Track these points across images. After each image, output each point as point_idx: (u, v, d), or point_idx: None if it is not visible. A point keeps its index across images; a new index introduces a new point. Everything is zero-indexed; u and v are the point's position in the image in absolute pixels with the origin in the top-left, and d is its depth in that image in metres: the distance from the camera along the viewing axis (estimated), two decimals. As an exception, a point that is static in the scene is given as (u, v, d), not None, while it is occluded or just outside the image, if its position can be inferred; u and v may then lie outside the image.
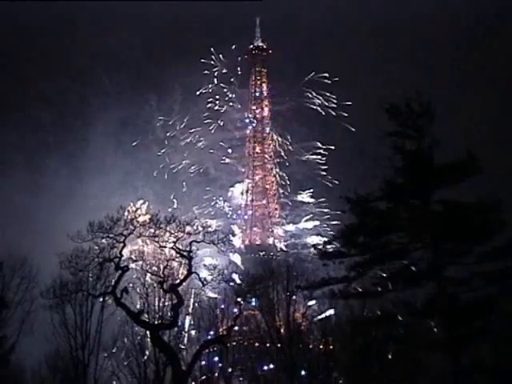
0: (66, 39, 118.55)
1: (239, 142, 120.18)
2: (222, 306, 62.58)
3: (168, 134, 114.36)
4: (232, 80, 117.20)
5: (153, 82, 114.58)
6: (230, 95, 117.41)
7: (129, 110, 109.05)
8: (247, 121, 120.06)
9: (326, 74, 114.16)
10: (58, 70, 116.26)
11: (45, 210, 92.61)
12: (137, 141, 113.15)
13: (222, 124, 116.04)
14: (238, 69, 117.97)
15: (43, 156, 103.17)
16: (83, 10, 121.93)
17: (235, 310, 57.64)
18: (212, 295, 63.92)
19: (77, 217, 74.31)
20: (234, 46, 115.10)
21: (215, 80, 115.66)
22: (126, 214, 52.75)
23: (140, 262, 55.09)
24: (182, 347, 58.02)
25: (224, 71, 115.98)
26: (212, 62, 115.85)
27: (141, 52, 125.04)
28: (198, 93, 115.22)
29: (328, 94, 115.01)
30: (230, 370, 62.95)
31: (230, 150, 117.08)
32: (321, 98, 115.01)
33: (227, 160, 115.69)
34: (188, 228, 52.17)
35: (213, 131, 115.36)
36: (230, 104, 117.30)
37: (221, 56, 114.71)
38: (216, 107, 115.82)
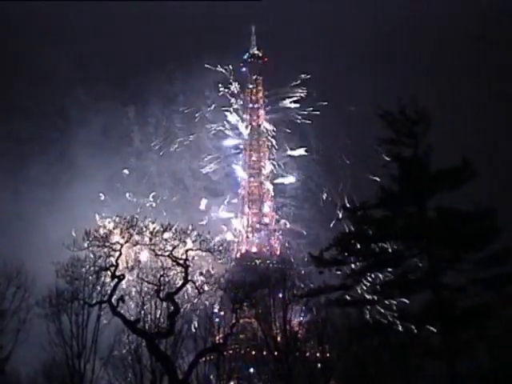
0: (43, 48, 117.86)
1: (234, 149, 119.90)
2: (219, 314, 62.42)
3: (153, 144, 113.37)
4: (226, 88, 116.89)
5: (133, 92, 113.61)
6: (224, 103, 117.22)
7: (109, 119, 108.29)
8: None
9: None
10: (35, 81, 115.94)
11: (29, 219, 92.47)
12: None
13: (214, 132, 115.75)
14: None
15: (23, 166, 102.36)
16: (59, 20, 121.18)
17: (232, 318, 57.60)
18: (208, 303, 63.72)
19: (62, 225, 74.65)
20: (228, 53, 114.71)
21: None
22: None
23: (136, 271, 55.01)
24: (179, 356, 57.69)
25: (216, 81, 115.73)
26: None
27: (119, 62, 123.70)
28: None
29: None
30: (226, 378, 62.71)
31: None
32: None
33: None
34: (184, 236, 52.31)
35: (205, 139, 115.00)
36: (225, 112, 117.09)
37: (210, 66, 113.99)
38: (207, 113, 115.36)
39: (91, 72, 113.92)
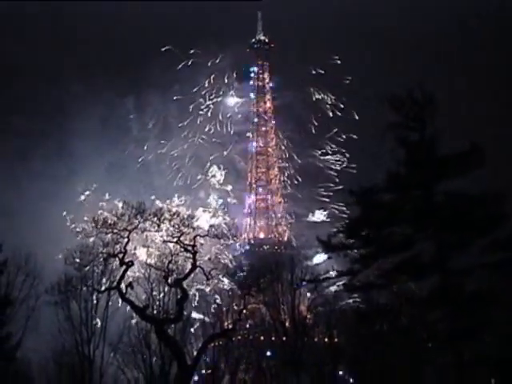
0: (39, 40, 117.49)
1: (238, 137, 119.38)
2: (227, 300, 62.61)
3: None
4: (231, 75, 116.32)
5: (132, 81, 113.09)
6: (230, 90, 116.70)
7: (107, 110, 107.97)
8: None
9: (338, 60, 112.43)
10: (31, 73, 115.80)
11: (32, 209, 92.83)
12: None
13: (221, 119, 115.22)
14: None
15: (22, 159, 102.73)
16: (58, 12, 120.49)
17: (240, 303, 57.78)
18: (217, 289, 63.92)
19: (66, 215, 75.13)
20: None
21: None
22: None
23: (144, 257, 55.22)
24: (187, 341, 58.02)
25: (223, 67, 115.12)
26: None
27: (118, 50, 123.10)
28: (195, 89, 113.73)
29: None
30: (235, 363, 63.06)
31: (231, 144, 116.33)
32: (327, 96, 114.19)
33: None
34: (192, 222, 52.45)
35: (212, 127, 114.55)
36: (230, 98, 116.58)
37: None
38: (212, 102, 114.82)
39: (89, 61, 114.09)
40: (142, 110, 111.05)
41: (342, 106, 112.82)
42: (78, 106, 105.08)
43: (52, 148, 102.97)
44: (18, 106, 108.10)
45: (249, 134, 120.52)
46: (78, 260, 51.13)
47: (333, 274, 39.21)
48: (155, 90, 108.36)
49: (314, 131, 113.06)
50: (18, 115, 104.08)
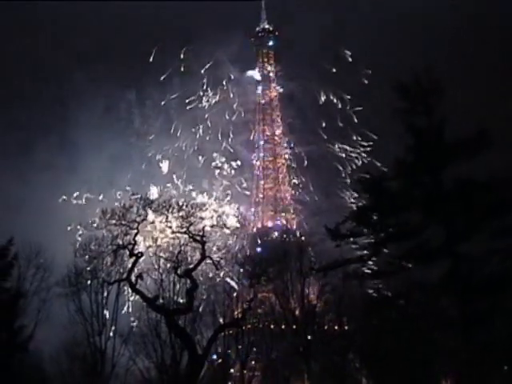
0: (40, 36, 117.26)
1: (243, 126, 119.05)
2: (237, 289, 62.69)
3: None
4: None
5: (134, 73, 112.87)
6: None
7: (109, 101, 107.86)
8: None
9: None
10: (31, 67, 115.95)
11: (38, 202, 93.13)
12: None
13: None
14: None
15: (26, 152, 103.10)
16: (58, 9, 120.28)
17: (249, 292, 57.92)
18: (226, 279, 64.00)
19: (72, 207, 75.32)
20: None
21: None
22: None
23: (154, 248, 55.32)
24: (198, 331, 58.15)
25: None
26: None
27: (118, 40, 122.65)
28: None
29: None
30: (245, 352, 63.21)
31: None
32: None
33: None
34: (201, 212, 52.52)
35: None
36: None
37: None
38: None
39: (89, 53, 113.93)
40: (143, 102, 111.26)
41: (348, 97, 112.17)
42: (79, 98, 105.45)
43: (54, 140, 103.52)
44: (19, 98, 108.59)
45: (254, 123, 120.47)
46: (87, 252, 51.33)
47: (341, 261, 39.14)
48: (156, 81, 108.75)
49: (323, 123, 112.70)
50: (20, 108, 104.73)
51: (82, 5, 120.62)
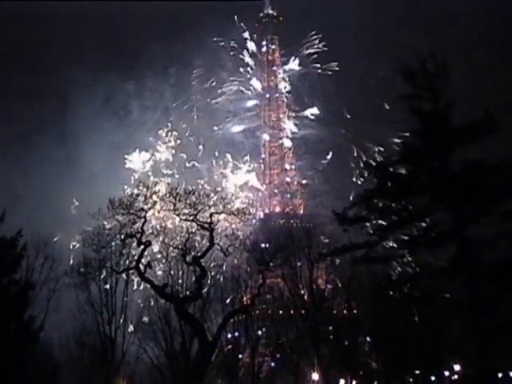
0: (40, 30, 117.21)
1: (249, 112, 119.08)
2: (246, 276, 62.73)
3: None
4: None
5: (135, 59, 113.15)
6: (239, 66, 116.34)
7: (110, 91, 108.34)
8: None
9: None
10: (31, 60, 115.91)
11: (43, 193, 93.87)
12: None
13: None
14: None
15: (27, 145, 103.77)
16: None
17: (258, 278, 57.93)
18: (235, 265, 64.03)
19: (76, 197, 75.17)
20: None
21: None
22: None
23: (162, 237, 55.28)
24: (207, 318, 58.32)
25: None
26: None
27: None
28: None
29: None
30: (255, 338, 63.39)
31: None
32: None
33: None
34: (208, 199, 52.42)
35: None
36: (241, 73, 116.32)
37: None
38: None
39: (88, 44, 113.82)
40: (142, 92, 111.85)
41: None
42: (79, 91, 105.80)
43: (55, 132, 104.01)
44: (19, 92, 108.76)
45: (260, 109, 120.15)
46: (95, 242, 51.37)
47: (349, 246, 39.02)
48: (156, 71, 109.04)
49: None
50: (21, 101, 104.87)
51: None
